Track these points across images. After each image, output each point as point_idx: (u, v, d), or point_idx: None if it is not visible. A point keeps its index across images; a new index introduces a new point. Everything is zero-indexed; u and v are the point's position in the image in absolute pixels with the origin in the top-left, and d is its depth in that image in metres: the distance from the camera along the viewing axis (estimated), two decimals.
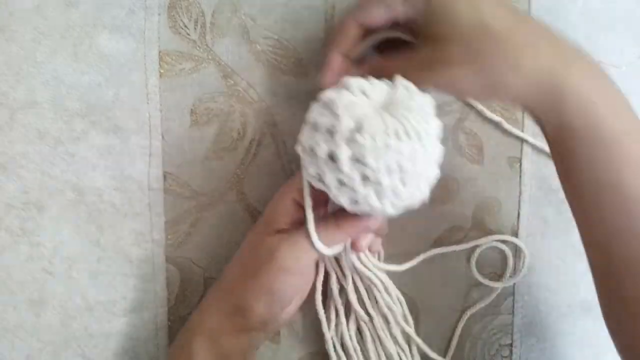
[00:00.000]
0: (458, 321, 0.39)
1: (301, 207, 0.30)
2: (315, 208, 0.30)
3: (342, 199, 0.27)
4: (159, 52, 0.34)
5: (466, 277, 0.39)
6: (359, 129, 0.25)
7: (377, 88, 0.27)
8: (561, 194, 0.39)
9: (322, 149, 0.26)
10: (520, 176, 0.38)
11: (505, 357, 0.40)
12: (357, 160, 0.26)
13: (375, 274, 0.34)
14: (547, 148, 0.38)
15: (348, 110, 0.26)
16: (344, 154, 0.25)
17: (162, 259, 0.35)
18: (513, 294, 0.39)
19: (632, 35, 0.38)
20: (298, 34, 0.35)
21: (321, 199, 0.30)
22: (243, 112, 0.35)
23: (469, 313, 0.39)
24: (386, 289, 0.35)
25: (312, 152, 0.27)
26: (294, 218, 0.30)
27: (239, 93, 0.35)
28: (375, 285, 0.34)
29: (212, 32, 0.34)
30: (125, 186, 0.34)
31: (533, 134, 0.38)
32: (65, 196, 0.34)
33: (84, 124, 0.34)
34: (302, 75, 0.35)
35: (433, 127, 0.27)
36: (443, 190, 0.38)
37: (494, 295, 0.39)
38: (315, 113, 0.27)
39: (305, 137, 0.28)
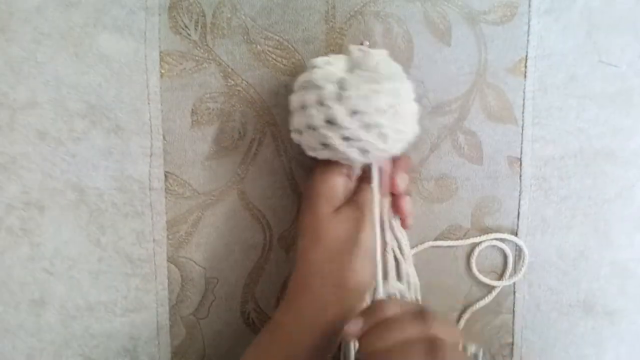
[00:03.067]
0: (459, 320, 0.39)
1: (349, 180, 0.33)
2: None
3: (352, 153, 0.30)
4: (160, 52, 0.34)
5: (466, 276, 0.39)
6: (342, 87, 0.29)
7: (337, 58, 0.31)
8: (561, 193, 0.39)
9: (319, 118, 0.29)
10: (520, 176, 0.39)
11: (506, 356, 0.40)
12: (353, 112, 0.29)
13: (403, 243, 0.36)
14: (547, 148, 0.39)
15: (327, 79, 0.29)
16: (340, 111, 0.29)
17: (163, 259, 0.35)
18: (514, 293, 0.39)
19: (632, 34, 0.38)
20: (298, 35, 0.35)
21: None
22: (244, 112, 0.35)
23: (469, 312, 0.39)
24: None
25: (309, 128, 0.30)
26: (348, 192, 0.33)
27: (239, 93, 0.35)
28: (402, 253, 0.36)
29: (213, 33, 0.34)
30: (126, 186, 0.34)
31: (532, 134, 0.38)
32: (66, 196, 0.34)
33: (84, 124, 0.34)
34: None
35: (399, 68, 0.31)
36: (442, 189, 0.38)
37: (494, 294, 0.39)
38: (299, 97, 0.31)
39: (298, 120, 0.31)
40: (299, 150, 0.36)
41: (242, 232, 0.36)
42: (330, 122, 0.29)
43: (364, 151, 0.30)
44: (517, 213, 0.39)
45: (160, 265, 0.35)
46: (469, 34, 0.37)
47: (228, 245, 0.36)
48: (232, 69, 0.35)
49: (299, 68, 0.35)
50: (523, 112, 0.38)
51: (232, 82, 0.35)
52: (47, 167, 0.34)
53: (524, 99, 0.38)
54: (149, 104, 0.34)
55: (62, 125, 0.33)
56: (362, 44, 0.35)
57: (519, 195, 0.39)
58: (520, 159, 0.38)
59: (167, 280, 0.36)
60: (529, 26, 0.37)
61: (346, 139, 0.30)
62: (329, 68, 0.30)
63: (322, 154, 0.31)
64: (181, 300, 0.36)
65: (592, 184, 0.39)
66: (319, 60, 0.31)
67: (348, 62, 0.31)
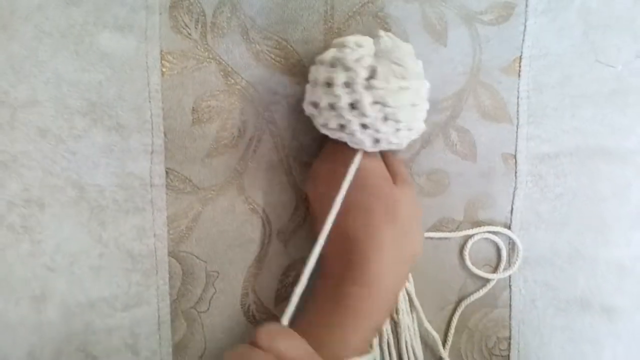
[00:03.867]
0: (454, 313, 0.39)
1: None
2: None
3: (366, 140, 0.31)
4: (161, 51, 0.34)
5: (460, 269, 0.39)
6: (372, 76, 0.29)
7: (365, 40, 0.31)
8: (557, 191, 0.40)
9: (344, 100, 0.30)
10: (515, 172, 0.39)
11: (503, 350, 0.40)
12: (377, 102, 0.29)
13: None
14: (542, 146, 0.39)
15: (359, 63, 0.29)
16: (366, 99, 0.29)
17: (164, 254, 0.36)
18: (510, 287, 0.40)
19: (629, 34, 0.39)
20: (297, 35, 0.36)
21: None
22: (243, 110, 0.36)
23: (464, 304, 0.39)
24: None
25: (330, 106, 0.30)
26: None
27: (239, 91, 0.36)
28: None
29: (213, 32, 0.35)
30: (127, 183, 0.35)
31: (527, 132, 0.39)
32: (67, 193, 0.34)
33: (85, 122, 0.34)
34: (300, 75, 0.36)
35: (421, 66, 0.32)
36: (434, 184, 0.38)
37: (489, 287, 0.39)
38: (325, 72, 0.31)
39: (318, 95, 0.31)
40: (296, 147, 0.37)
41: (242, 226, 0.37)
42: (353, 106, 0.30)
43: (376, 140, 0.31)
44: (510, 208, 0.39)
45: (161, 260, 0.36)
46: (465, 35, 0.37)
47: (228, 239, 0.36)
48: (232, 68, 0.35)
49: (298, 67, 0.36)
50: (518, 111, 0.39)
51: (232, 81, 0.35)
52: (48, 164, 0.34)
53: (518, 98, 0.38)
54: (150, 102, 0.34)
55: (62, 123, 0.34)
56: None
57: (514, 191, 0.39)
58: (515, 157, 0.39)
59: (168, 275, 0.36)
60: (525, 26, 0.38)
61: (364, 126, 0.30)
62: (360, 51, 0.30)
63: (335, 134, 0.32)
64: (182, 294, 0.36)
65: (588, 182, 0.40)
66: (350, 40, 0.31)
67: (375, 46, 0.31)
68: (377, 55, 0.30)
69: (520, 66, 0.38)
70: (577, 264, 0.40)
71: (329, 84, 0.30)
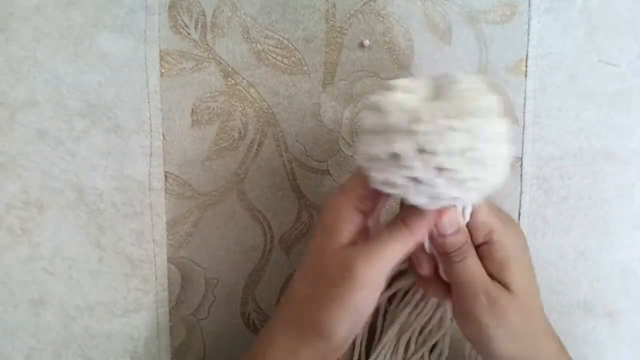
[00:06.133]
0: None
1: (365, 215, 0.28)
2: (369, 213, 0.29)
3: (419, 198, 0.26)
4: (160, 51, 0.34)
5: None
6: (414, 119, 0.24)
7: (420, 83, 0.26)
8: (561, 193, 0.39)
9: (384, 150, 0.25)
10: (521, 176, 0.38)
11: None
12: (424, 150, 0.24)
13: None
14: (547, 148, 0.39)
15: (399, 105, 0.25)
16: (407, 147, 0.24)
17: (163, 259, 0.35)
18: None
19: (632, 34, 0.38)
20: (298, 33, 0.35)
21: (374, 202, 0.29)
22: (244, 112, 0.35)
23: None
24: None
25: (376, 158, 0.26)
26: (359, 227, 0.28)
27: (239, 92, 0.35)
28: None
29: (213, 32, 0.34)
30: (126, 186, 0.34)
31: (533, 134, 0.38)
32: (66, 196, 0.34)
33: (84, 124, 0.34)
34: (302, 75, 0.36)
35: (491, 101, 0.25)
36: None
37: None
38: (368, 119, 0.26)
39: (365, 145, 0.26)
40: (299, 150, 0.36)
41: (243, 233, 0.36)
42: (396, 158, 0.25)
43: (433, 198, 0.25)
44: (518, 213, 0.39)
45: (160, 265, 0.35)
46: (469, 34, 0.37)
47: (228, 246, 0.36)
48: (232, 68, 0.35)
49: (300, 67, 0.35)
50: (524, 112, 0.38)
51: (232, 82, 0.35)
52: (47, 166, 0.33)
53: (524, 99, 0.38)
54: (148, 103, 0.34)
55: (61, 124, 0.33)
56: (362, 43, 0.35)
57: (520, 195, 0.39)
58: (521, 159, 0.38)
59: (167, 281, 0.35)
60: (528, 25, 0.37)
61: (417, 180, 0.25)
62: (404, 95, 0.25)
63: (385, 189, 0.26)
64: (181, 300, 0.36)
65: (592, 184, 0.39)
66: (398, 82, 0.26)
67: (431, 86, 0.26)
68: (432, 96, 0.26)
69: (526, 66, 0.38)
70: (581, 267, 0.40)
71: (372, 132, 0.26)
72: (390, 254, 0.27)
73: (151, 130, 0.34)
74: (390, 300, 0.36)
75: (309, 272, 0.29)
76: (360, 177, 0.28)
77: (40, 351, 0.34)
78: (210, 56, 0.35)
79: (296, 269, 0.30)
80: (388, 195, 0.28)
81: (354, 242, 0.28)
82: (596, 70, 0.38)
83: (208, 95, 0.35)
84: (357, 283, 0.26)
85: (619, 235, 0.40)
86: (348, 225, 0.28)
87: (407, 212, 0.28)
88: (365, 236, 0.29)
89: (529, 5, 0.37)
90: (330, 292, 0.27)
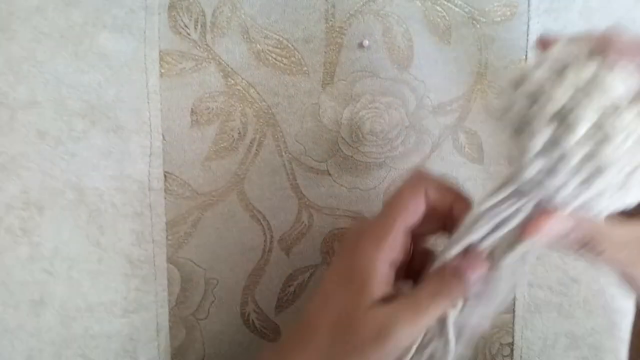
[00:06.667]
0: None
1: (395, 269, 0.26)
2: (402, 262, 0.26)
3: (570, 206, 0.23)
4: (160, 51, 0.34)
5: None
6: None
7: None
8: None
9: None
10: None
11: (506, 356, 0.40)
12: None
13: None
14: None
15: (625, 130, 0.21)
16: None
17: (163, 260, 0.35)
18: (514, 292, 0.39)
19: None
20: (298, 33, 0.35)
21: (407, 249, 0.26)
22: (243, 112, 0.35)
23: None
24: None
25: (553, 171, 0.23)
26: (392, 282, 0.26)
27: (239, 92, 0.35)
28: None
29: (213, 32, 0.34)
30: (126, 186, 0.34)
31: None
32: (66, 196, 0.34)
33: (84, 124, 0.34)
34: (302, 75, 0.36)
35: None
36: None
37: None
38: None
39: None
40: (299, 150, 0.36)
41: (242, 233, 0.36)
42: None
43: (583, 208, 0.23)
44: None
45: (160, 266, 0.35)
46: (469, 34, 0.37)
47: (228, 246, 0.36)
48: (231, 69, 0.35)
49: (300, 67, 0.35)
50: None
51: (232, 82, 0.35)
52: (47, 166, 0.33)
53: None
54: (148, 103, 0.34)
55: (61, 124, 0.33)
56: (362, 43, 0.35)
57: None
58: None
59: (166, 281, 0.35)
60: (528, 26, 0.37)
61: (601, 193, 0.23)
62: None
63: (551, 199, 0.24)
64: (181, 301, 0.36)
65: None
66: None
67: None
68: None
69: None
70: (581, 266, 0.40)
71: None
72: (436, 311, 0.24)
73: (151, 130, 0.34)
74: None
75: (325, 329, 0.26)
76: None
77: (40, 351, 0.34)
78: (210, 56, 0.35)
79: (312, 301, 0.27)
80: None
81: (385, 299, 0.25)
82: None
83: (208, 95, 0.35)
84: (390, 345, 0.24)
85: None
86: (382, 284, 0.25)
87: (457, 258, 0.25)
88: (397, 291, 0.26)
89: (529, 6, 0.37)
90: (357, 354, 0.24)
